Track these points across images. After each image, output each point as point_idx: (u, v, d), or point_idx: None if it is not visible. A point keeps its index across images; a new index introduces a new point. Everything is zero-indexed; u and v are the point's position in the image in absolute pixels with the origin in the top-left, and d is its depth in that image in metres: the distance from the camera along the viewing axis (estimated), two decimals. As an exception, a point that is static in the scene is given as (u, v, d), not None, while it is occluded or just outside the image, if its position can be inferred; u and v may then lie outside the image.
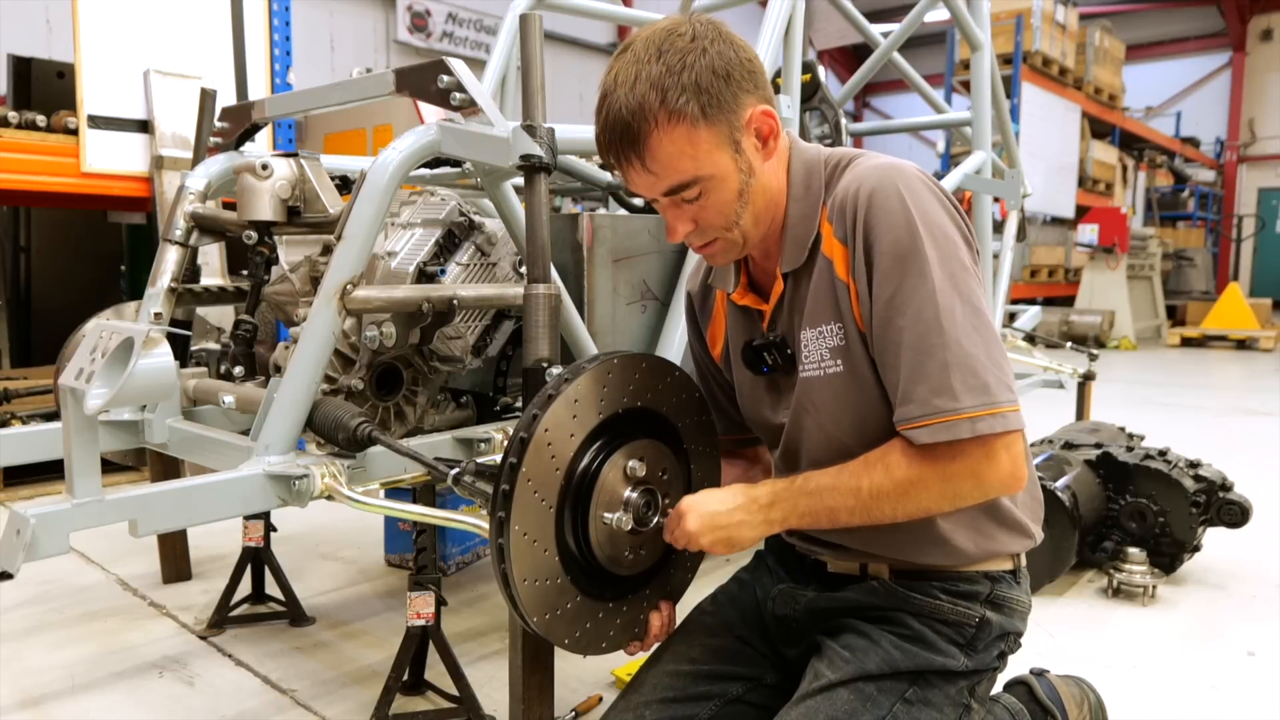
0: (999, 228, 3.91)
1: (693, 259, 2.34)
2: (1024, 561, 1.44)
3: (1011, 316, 4.36)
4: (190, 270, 2.10)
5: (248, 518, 2.43)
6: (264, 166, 1.86)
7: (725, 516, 1.29)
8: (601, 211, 3.19)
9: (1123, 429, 3.28)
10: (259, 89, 4.28)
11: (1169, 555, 2.73)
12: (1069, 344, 4.27)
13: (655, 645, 1.49)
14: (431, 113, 4.17)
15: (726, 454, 1.69)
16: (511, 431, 1.29)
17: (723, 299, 1.54)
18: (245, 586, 2.51)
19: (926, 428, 1.19)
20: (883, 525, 1.28)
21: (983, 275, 1.30)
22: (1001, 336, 1.32)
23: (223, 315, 2.48)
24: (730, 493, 1.32)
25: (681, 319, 2.27)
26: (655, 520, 1.37)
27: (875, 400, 1.29)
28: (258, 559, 2.52)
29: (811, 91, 3.35)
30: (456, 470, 1.46)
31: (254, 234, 1.90)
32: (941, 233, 1.23)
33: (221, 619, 2.41)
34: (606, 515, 1.32)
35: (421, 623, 1.91)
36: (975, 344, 1.19)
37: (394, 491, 1.71)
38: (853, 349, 1.29)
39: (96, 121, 3.86)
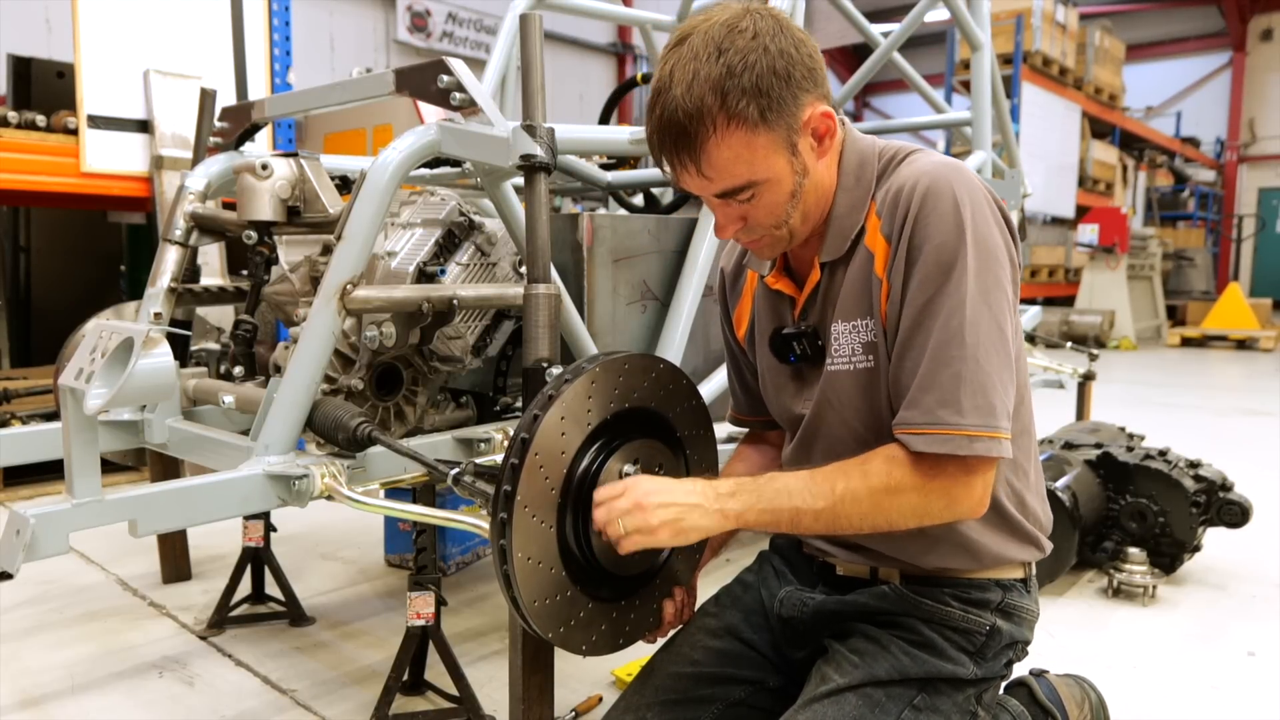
0: (999, 228, 3.90)
1: (701, 244, 2.33)
2: (1034, 570, 1.44)
3: (1011, 316, 4.35)
4: (190, 270, 2.10)
5: (248, 518, 2.43)
6: (264, 166, 1.86)
7: (681, 496, 1.22)
8: (601, 211, 3.19)
9: (1123, 429, 3.28)
10: (259, 89, 4.28)
11: (1169, 555, 2.72)
12: (1069, 344, 4.27)
13: (672, 631, 1.50)
14: (431, 113, 4.17)
15: (753, 439, 1.68)
16: (511, 435, 1.29)
17: (753, 280, 1.52)
18: (245, 586, 2.50)
19: (924, 436, 1.19)
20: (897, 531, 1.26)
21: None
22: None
23: (223, 315, 2.48)
24: (686, 480, 1.27)
25: (682, 319, 2.28)
26: None
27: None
28: (258, 559, 2.52)
29: (811, 91, 3.34)
30: (456, 470, 1.46)
31: (254, 234, 1.90)
32: (986, 247, 1.21)
33: (221, 619, 2.41)
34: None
35: (421, 623, 1.91)
36: (992, 364, 1.18)
37: (394, 491, 1.71)
38: (883, 346, 1.27)
39: (96, 121, 3.86)
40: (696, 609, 1.55)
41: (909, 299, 1.22)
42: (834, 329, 1.32)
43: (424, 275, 1.97)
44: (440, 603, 1.94)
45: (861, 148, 1.33)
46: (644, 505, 1.21)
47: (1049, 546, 1.42)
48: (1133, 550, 2.66)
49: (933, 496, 1.20)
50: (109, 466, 3.62)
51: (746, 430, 1.70)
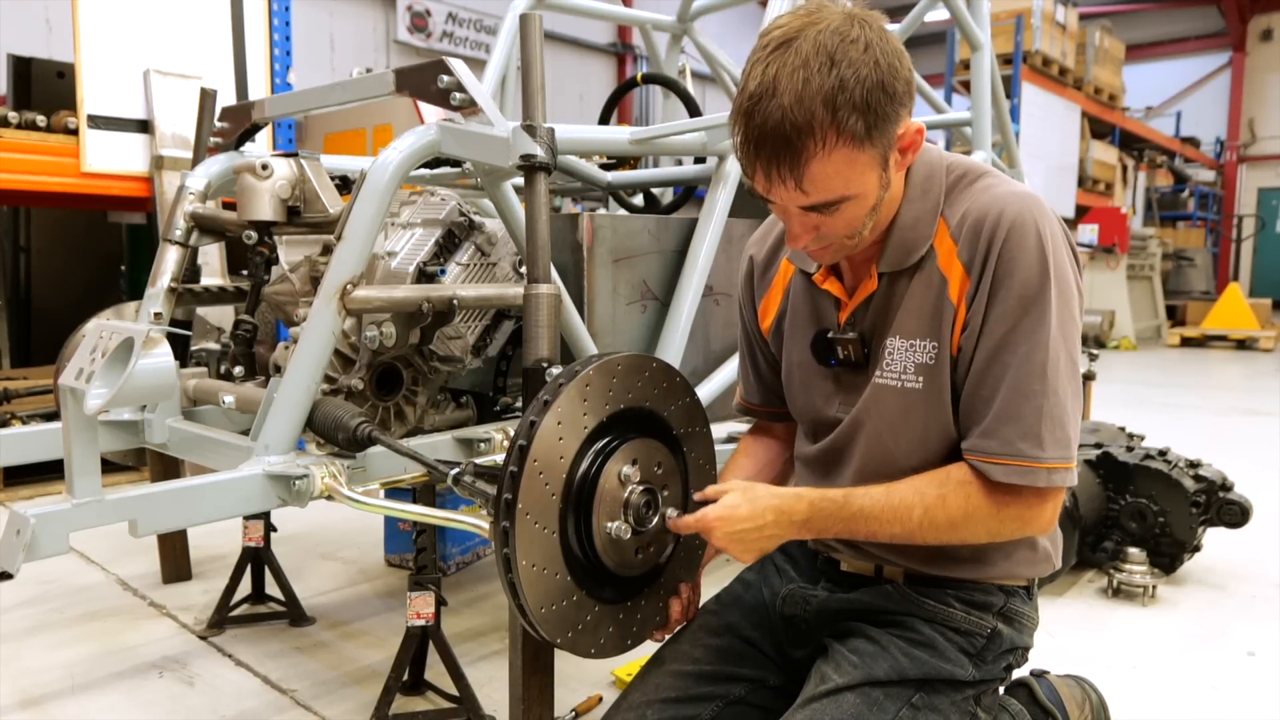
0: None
1: (701, 244, 2.33)
2: (1036, 578, 1.45)
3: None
4: (190, 270, 2.10)
5: (248, 518, 2.43)
6: (264, 166, 1.86)
7: (755, 534, 1.27)
8: (601, 211, 3.19)
9: (1123, 429, 3.28)
10: (259, 89, 4.27)
11: (1169, 555, 2.73)
12: (1069, 344, 4.26)
13: (679, 627, 1.50)
14: (431, 113, 4.17)
15: (758, 431, 1.67)
16: (511, 436, 1.29)
17: (786, 272, 1.49)
18: (245, 586, 2.50)
19: (1003, 466, 1.21)
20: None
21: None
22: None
23: (223, 315, 2.48)
24: (760, 507, 1.26)
25: (682, 319, 2.28)
26: (657, 519, 1.37)
27: (944, 425, 1.29)
28: (258, 559, 2.52)
29: (811, 91, 3.33)
30: (456, 470, 1.46)
31: (254, 234, 1.90)
32: (1065, 282, 1.23)
33: (221, 619, 2.41)
34: (609, 525, 1.32)
35: (421, 623, 1.91)
36: (1068, 398, 1.22)
37: (394, 491, 1.71)
38: (940, 371, 1.27)
39: (96, 121, 3.86)
40: (698, 609, 1.55)
41: (987, 329, 1.23)
42: (888, 343, 1.32)
43: (424, 275, 1.97)
44: (440, 603, 1.94)
45: (930, 159, 1.31)
46: (722, 547, 1.29)
47: (1060, 563, 1.43)
48: (1133, 550, 2.66)
49: (1007, 522, 1.25)
50: (109, 466, 3.61)
51: (749, 424, 1.70)
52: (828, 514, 1.27)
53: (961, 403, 1.27)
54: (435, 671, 2.03)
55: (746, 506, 1.27)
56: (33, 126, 3.76)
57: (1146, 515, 2.72)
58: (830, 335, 1.38)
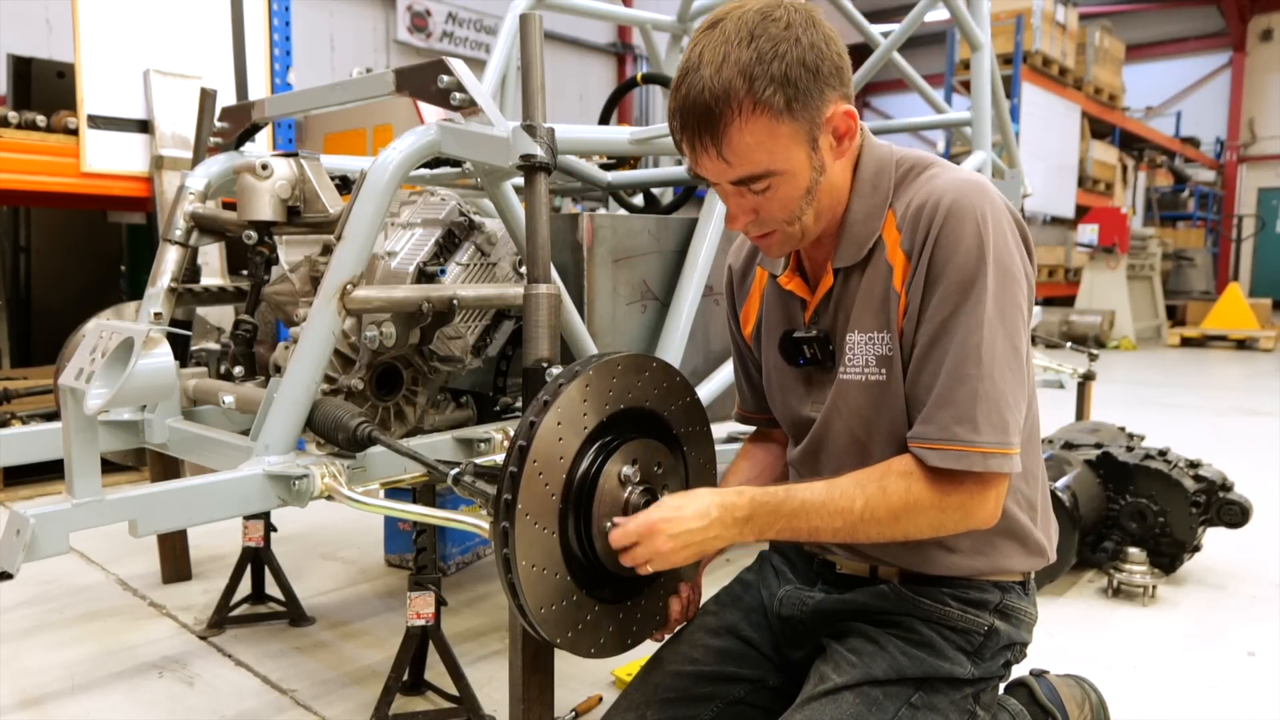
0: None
1: (701, 244, 2.33)
2: (1033, 574, 1.44)
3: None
4: (190, 270, 2.10)
5: (248, 518, 2.43)
6: (264, 166, 1.86)
7: (700, 534, 1.23)
8: (601, 211, 3.19)
9: (1123, 429, 3.28)
10: (259, 89, 4.28)
11: (1169, 555, 2.72)
12: (1069, 344, 4.27)
13: (679, 627, 1.50)
14: (431, 113, 4.17)
15: (759, 437, 1.68)
16: (511, 436, 1.29)
17: (762, 278, 1.51)
18: (245, 586, 2.50)
19: (939, 451, 1.21)
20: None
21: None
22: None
23: (223, 315, 2.49)
24: (704, 505, 1.24)
25: (682, 319, 2.28)
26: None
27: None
28: (258, 559, 2.52)
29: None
30: (456, 471, 1.46)
31: (254, 234, 1.90)
32: (1005, 267, 1.22)
33: (221, 619, 2.41)
34: (609, 525, 1.32)
35: (421, 623, 1.91)
36: (1007, 382, 1.21)
37: (394, 491, 1.71)
38: (897, 360, 1.28)
39: (96, 121, 3.86)
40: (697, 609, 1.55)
41: (927, 316, 1.23)
42: (849, 339, 1.33)
43: (424, 275, 1.97)
44: (440, 603, 1.94)
45: (879, 155, 1.33)
46: (662, 552, 1.23)
47: (1054, 556, 1.43)
48: (1133, 550, 2.66)
49: (949, 512, 1.23)
50: (109, 466, 3.61)
51: (751, 429, 1.70)
52: (770, 509, 1.25)
53: (906, 391, 1.28)
54: (435, 671, 2.03)
55: (691, 506, 1.24)
56: (33, 126, 3.76)
57: (1146, 515, 2.72)
58: (795, 335, 1.40)
